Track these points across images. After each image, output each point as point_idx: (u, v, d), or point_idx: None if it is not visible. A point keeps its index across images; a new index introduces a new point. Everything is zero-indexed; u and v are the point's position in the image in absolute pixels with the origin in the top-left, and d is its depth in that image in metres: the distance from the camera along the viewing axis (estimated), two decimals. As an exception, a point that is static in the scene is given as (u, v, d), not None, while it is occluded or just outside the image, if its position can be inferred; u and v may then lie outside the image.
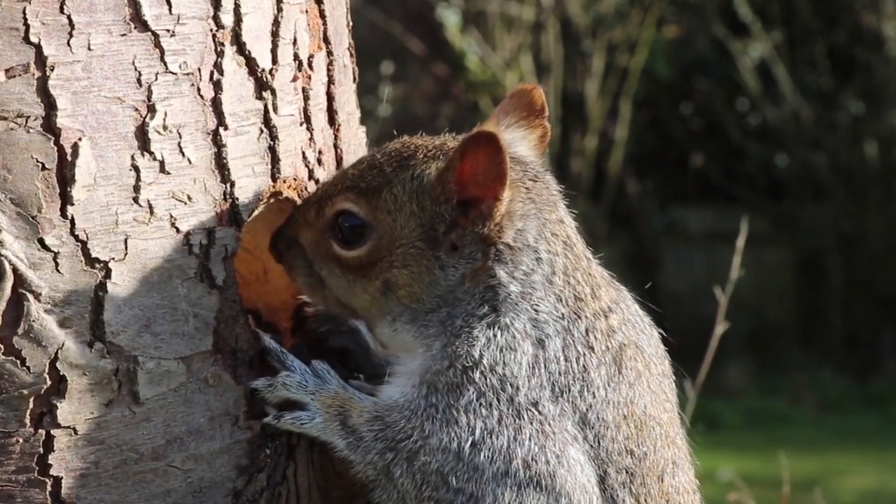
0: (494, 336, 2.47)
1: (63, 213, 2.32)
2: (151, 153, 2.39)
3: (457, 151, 2.45)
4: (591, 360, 2.50)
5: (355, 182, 2.53)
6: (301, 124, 2.60)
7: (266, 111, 2.53)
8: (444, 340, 2.48)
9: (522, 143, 2.63)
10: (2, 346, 2.30)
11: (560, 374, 2.48)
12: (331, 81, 2.68)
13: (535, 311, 2.49)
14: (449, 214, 2.49)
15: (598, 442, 2.49)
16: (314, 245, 2.56)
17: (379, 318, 2.55)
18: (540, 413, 2.46)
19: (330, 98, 2.68)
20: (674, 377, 2.65)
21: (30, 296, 2.31)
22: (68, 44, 2.32)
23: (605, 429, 2.49)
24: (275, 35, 2.54)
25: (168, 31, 2.40)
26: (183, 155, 2.43)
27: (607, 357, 2.52)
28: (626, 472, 2.51)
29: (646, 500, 2.53)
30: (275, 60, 2.54)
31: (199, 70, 2.44)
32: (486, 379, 2.45)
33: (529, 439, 2.44)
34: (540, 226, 2.52)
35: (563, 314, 2.50)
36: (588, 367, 2.50)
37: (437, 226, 2.50)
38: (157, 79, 2.39)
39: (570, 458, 2.46)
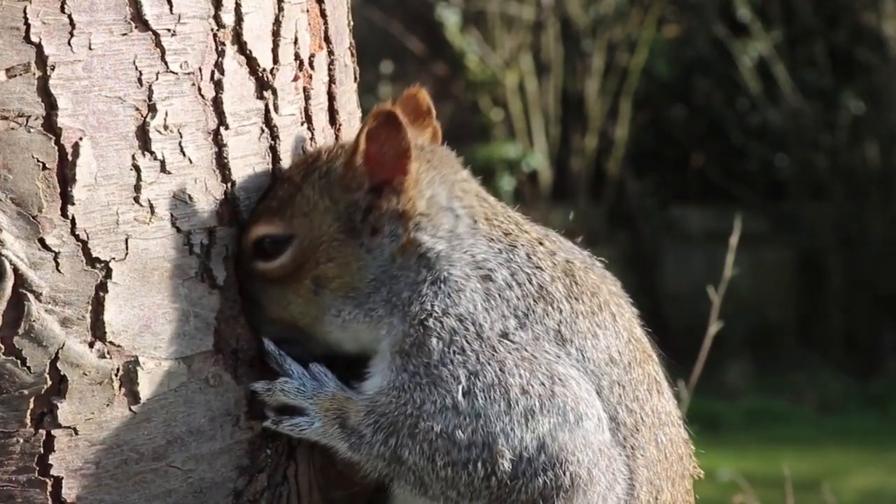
0: (440, 288, 2.49)
1: (64, 213, 2.32)
2: (152, 153, 2.39)
3: (360, 136, 2.50)
4: (543, 276, 2.52)
5: (266, 205, 2.53)
6: (302, 124, 2.60)
7: (267, 111, 2.53)
8: (401, 313, 2.49)
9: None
10: (2, 346, 2.30)
11: (518, 298, 2.50)
12: (332, 81, 2.68)
13: (471, 256, 2.52)
14: (363, 200, 2.53)
15: (582, 354, 2.49)
16: (246, 279, 2.53)
17: (321, 318, 2.54)
18: (513, 342, 2.46)
19: (331, 98, 2.68)
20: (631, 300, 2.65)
21: (30, 296, 2.31)
22: (69, 43, 2.31)
23: (584, 339, 2.50)
24: (276, 34, 2.54)
25: (169, 30, 2.40)
26: (184, 154, 2.42)
27: (558, 271, 2.54)
28: (619, 385, 2.51)
29: (642, 420, 2.52)
30: (276, 60, 2.54)
31: (200, 69, 2.44)
32: (441, 324, 2.46)
33: (516, 367, 2.44)
34: (449, 187, 2.57)
35: (499, 249, 2.53)
36: (543, 284, 2.51)
37: (354, 214, 2.53)
38: (157, 78, 2.39)
39: (560, 374, 2.45)
